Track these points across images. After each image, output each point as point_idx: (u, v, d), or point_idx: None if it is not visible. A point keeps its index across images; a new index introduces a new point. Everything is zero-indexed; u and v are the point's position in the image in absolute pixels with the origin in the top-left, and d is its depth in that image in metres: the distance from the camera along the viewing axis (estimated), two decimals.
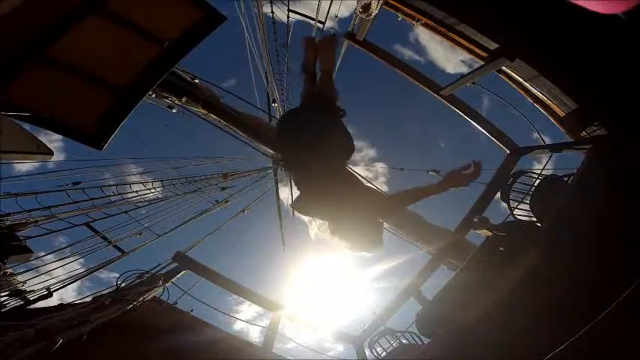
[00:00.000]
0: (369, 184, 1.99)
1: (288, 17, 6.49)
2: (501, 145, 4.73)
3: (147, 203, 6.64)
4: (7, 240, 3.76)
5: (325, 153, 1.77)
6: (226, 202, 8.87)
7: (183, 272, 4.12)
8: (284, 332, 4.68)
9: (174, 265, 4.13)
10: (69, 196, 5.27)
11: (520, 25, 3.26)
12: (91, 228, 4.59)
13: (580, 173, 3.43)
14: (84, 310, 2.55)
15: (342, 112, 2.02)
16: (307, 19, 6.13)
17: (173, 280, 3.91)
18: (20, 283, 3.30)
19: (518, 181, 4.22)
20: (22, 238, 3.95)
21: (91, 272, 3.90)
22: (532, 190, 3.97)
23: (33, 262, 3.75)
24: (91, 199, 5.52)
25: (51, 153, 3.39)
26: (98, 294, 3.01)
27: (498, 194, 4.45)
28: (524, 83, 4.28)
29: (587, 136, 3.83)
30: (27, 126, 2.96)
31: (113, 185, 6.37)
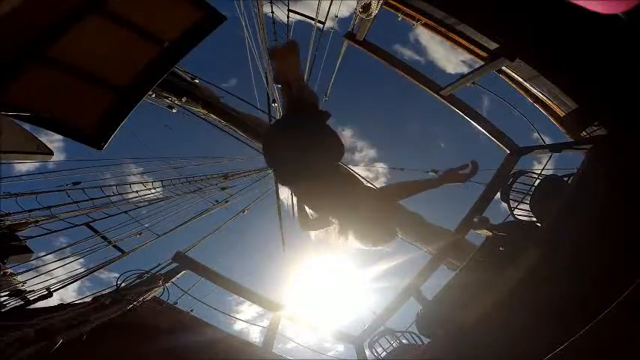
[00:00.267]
0: (365, 182, 1.97)
1: (288, 17, 6.49)
2: (501, 145, 4.73)
3: (147, 203, 6.65)
4: (7, 240, 3.77)
5: (317, 158, 1.76)
6: (226, 202, 8.87)
7: (183, 272, 4.12)
8: (284, 332, 4.69)
9: (174, 265, 4.13)
10: (69, 196, 5.27)
11: (520, 25, 3.26)
12: (91, 228, 4.59)
13: (580, 173, 3.43)
14: (84, 310, 2.55)
15: (326, 114, 2.01)
16: (307, 19, 6.13)
17: (173, 280, 3.91)
18: (20, 283, 3.30)
19: (518, 181, 4.22)
20: (22, 238, 3.95)
21: (91, 272, 3.90)
22: (532, 190, 3.97)
23: (33, 262, 3.76)
24: (91, 199, 5.52)
25: (51, 153, 3.39)
26: (98, 294, 3.02)
27: (498, 194, 4.45)
28: (524, 83, 4.28)
29: (587, 136, 3.83)
30: (27, 126, 2.97)
31: (113, 185, 6.38)
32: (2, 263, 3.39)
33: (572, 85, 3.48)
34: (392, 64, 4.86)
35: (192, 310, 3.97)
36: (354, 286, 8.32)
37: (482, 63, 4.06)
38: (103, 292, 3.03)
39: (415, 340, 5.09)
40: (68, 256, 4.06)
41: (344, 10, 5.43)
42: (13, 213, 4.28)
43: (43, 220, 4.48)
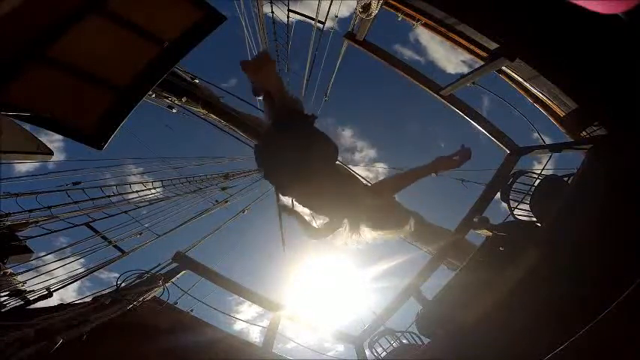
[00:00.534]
0: (364, 182, 1.97)
1: (288, 17, 6.49)
2: (501, 145, 4.73)
3: (147, 203, 6.65)
4: (7, 240, 3.77)
5: (313, 159, 1.77)
6: (226, 202, 8.87)
7: (183, 272, 4.12)
8: (284, 332, 4.69)
9: (174, 265, 4.13)
10: (69, 196, 5.27)
11: (520, 25, 3.26)
12: (91, 228, 4.59)
13: (580, 173, 3.43)
14: (84, 310, 2.55)
15: (312, 117, 2.01)
16: (307, 19, 6.13)
17: (173, 280, 3.91)
18: (20, 283, 3.30)
19: (518, 181, 4.22)
20: (22, 238, 3.95)
21: (91, 272, 3.90)
22: (532, 190, 3.97)
23: (33, 262, 3.76)
24: (91, 199, 5.53)
25: (51, 153, 3.39)
26: (98, 294, 3.02)
27: (498, 194, 4.45)
28: (524, 83, 4.28)
29: (587, 136, 3.83)
30: (27, 126, 2.97)
31: (113, 185, 6.38)
32: (2, 263, 3.39)
33: (572, 85, 3.48)
34: (392, 64, 4.86)
35: (192, 310, 3.97)
36: (354, 286, 8.33)
37: (482, 63, 4.06)
38: (103, 292, 3.03)
39: (415, 340, 5.09)
40: (68, 256, 4.07)
41: (344, 10, 5.44)
42: (13, 213, 4.28)
43: (43, 220, 4.48)
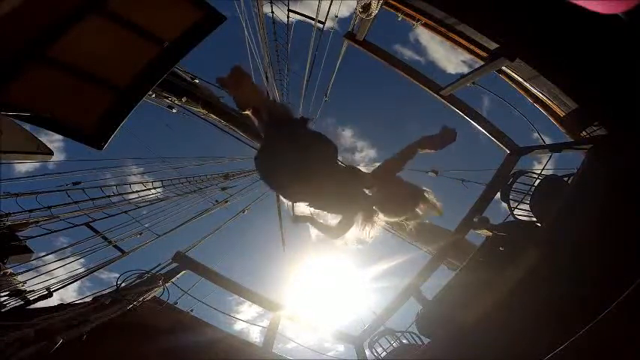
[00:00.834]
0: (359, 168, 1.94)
1: (288, 17, 6.49)
2: (501, 145, 4.73)
3: (147, 203, 6.65)
4: (7, 240, 3.77)
5: (316, 159, 1.77)
6: (226, 202, 8.87)
7: (183, 272, 4.12)
8: (284, 332, 4.69)
9: (174, 265, 4.13)
10: (69, 196, 5.27)
11: (520, 25, 3.26)
12: (91, 228, 4.58)
13: (580, 173, 3.43)
14: (84, 310, 2.55)
15: (305, 120, 2.01)
16: (307, 19, 6.13)
17: (173, 280, 3.91)
18: (20, 283, 3.30)
19: (518, 181, 4.23)
20: (22, 238, 3.95)
21: (91, 272, 3.90)
22: (532, 190, 3.97)
23: (33, 262, 3.76)
24: (91, 199, 5.52)
25: (51, 153, 3.39)
26: (98, 294, 3.02)
27: (498, 194, 4.45)
28: (524, 83, 4.28)
29: (587, 136, 3.83)
30: (27, 126, 2.97)
31: (113, 185, 6.38)
32: (2, 263, 3.39)
33: (572, 85, 3.48)
34: (392, 64, 4.86)
35: (192, 310, 3.97)
36: (354, 286, 8.33)
37: (482, 63, 4.06)
38: (103, 292, 3.04)
39: (415, 340, 5.09)
40: (68, 256, 4.06)
41: (344, 10, 5.43)
42: (14, 213, 4.28)
43: (43, 220, 4.48)
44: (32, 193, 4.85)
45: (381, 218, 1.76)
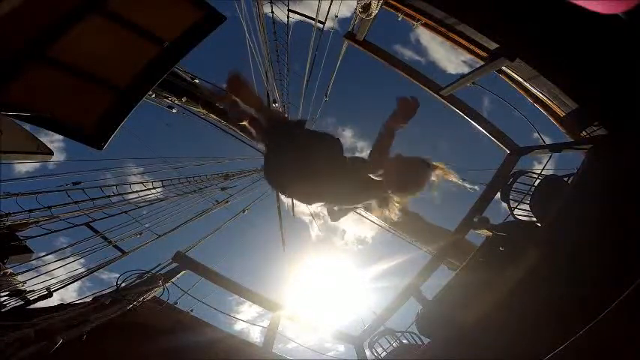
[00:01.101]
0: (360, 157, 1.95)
1: (288, 17, 6.49)
2: (501, 145, 4.73)
3: (147, 203, 6.64)
4: (7, 240, 3.76)
5: (324, 157, 1.77)
6: (226, 202, 8.87)
7: (183, 272, 4.13)
8: (285, 333, 4.69)
9: (174, 265, 4.13)
10: (69, 196, 5.26)
11: (520, 25, 3.26)
12: (91, 228, 4.58)
13: (580, 173, 3.43)
14: (84, 310, 2.55)
15: (300, 122, 2.03)
16: (307, 19, 6.13)
17: (173, 280, 3.91)
18: (20, 283, 3.30)
19: (518, 181, 4.23)
20: (22, 238, 3.95)
21: (91, 272, 3.89)
22: (532, 190, 3.97)
23: (33, 262, 3.75)
24: (91, 199, 5.51)
25: (51, 153, 3.39)
26: (98, 294, 3.02)
27: (498, 194, 4.45)
28: (524, 83, 4.28)
29: (587, 136, 3.83)
30: (27, 126, 2.96)
31: (113, 185, 6.37)
32: (2, 263, 3.39)
33: (572, 85, 3.48)
34: (392, 64, 4.86)
35: (192, 310, 3.97)
36: (354, 286, 8.34)
37: (482, 63, 4.06)
38: (103, 292, 3.04)
39: (415, 340, 5.09)
40: (68, 256, 4.06)
41: (344, 10, 5.43)
42: (14, 213, 4.27)
43: (43, 220, 4.48)
44: (32, 193, 4.84)
45: (397, 201, 1.76)
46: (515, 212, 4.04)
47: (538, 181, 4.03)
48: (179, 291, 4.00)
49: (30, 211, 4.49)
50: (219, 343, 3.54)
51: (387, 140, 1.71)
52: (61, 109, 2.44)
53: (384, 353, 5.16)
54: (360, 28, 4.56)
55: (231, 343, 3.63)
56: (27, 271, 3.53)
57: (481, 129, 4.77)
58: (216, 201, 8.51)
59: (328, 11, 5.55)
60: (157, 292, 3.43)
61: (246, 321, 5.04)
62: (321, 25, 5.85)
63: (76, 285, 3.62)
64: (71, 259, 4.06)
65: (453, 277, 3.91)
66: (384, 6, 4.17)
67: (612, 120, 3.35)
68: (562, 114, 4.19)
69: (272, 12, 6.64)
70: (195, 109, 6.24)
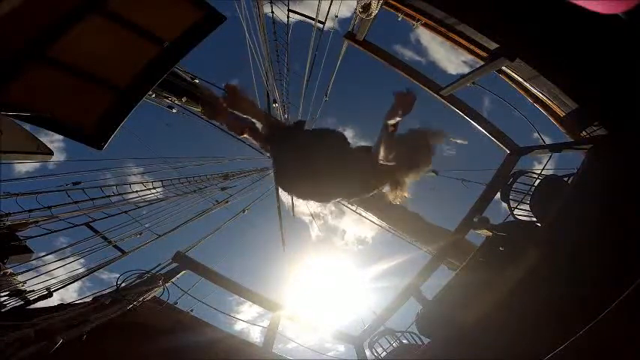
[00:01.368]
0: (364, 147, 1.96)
1: (288, 17, 6.49)
2: (501, 145, 4.73)
3: (147, 203, 6.64)
4: (7, 240, 3.76)
5: (334, 151, 1.78)
6: (226, 202, 8.86)
7: (183, 272, 4.13)
8: (285, 333, 4.69)
9: (174, 265, 4.13)
10: (69, 196, 5.26)
11: (520, 25, 3.26)
12: (91, 228, 4.58)
13: (580, 173, 3.43)
14: (84, 310, 2.55)
15: (299, 122, 2.07)
16: (307, 19, 6.13)
17: (173, 280, 3.91)
18: (20, 283, 3.30)
19: (518, 181, 4.23)
20: (22, 238, 3.94)
21: (91, 272, 3.89)
22: (532, 190, 3.97)
23: (33, 262, 3.75)
24: (91, 199, 5.51)
25: (51, 153, 3.39)
26: (98, 294, 3.02)
27: (498, 194, 4.45)
28: (524, 83, 4.28)
29: (587, 136, 3.83)
30: (27, 126, 2.96)
31: (113, 185, 6.36)
32: (2, 263, 3.39)
33: (572, 85, 3.48)
34: (392, 64, 4.86)
35: (192, 310, 3.97)
36: (354, 286, 8.34)
37: (482, 63, 4.06)
38: (103, 292, 3.04)
39: (415, 340, 5.09)
40: (68, 256, 4.06)
41: (344, 10, 5.43)
42: (13, 213, 4.27)
43: (43, 220, 4.47)
44: (32, 193, 4.84)
45: (408, 180, 1.76)
46: (515, 212, 4.04)
47: (538, 181, 4.03)
48: (179, 291, 4.00)
49: (30, 211, 4.48)
50: (219, 343, 3.54)
51: (389, 136, 1.72)
52: (61, 109, 2.44)
53: (384, 353, 5.16)
54: (360, 28, 4.56)
55: (231, 343, 3.63)
56: (27, 271, 3.54)
57: (481, 129, 4.77)
58: (216, 201, 8.51)
59: (328, 11, 5.55)
60: (157, 292, 3.43)
61: (247, 321, 5.05)
62: (321, 25, 5.85)
63: (76, 285, 3.62)
64: (71, 259, 4.06)
65: (453, 277, 3.91)
66: (384, 6, 4.17)
67: (612, 120, 3.35)
68: (562, 114, 4.19)
69: (272, 12, 6.64)
70: (195, 109, 6.24)
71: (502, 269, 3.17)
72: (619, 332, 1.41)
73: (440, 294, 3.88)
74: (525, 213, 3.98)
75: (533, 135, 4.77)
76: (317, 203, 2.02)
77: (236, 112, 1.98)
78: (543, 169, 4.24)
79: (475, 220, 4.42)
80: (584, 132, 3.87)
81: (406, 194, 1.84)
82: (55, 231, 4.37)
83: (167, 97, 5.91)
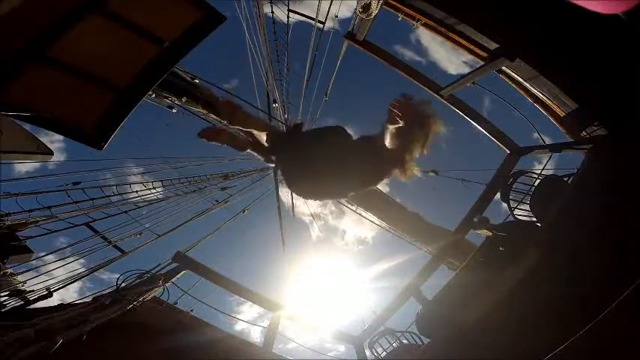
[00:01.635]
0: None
1: (288, 17, 6.50)
2: (501, 145, 4.73)
3: (147, 203, 6.64)
4: (7, 240, 3.76)
5: (337, 154, 1.79)
6: (226, 202, 8.86)
7: (183, 272, 4.13)
8: (285, 333, 4.69)
9: (174, 265, 4.13)
10: (69, 196, 5.26)
11: (520, 25, 3.26)
12: (91, 228, 4.58)
13: (580, 173, 3.44)
14: (84, 310, 2.55)
15: (298, 125, 2.08)
16: (307, 19, 6.13)
17: (173, 280, 3.91)
18: (20, 283, 3.30)
19: (518, 181, 4.23)
20: (22, 238, 3.94)
21: (91, 272, 3.89)
22: (532, 190, 3.97)
23: (33, 262, 3.75)
24: (91, 199, 5.51)
25: (51, 153, 3.39)
26: (98, 294, 3.02)
27: (498, 194, 4.45)
28: (524, 83, 4.28)
29: (587, 136, 3.83)
30: (27, 126, 2.96)
31: (113, 185, 6.37)
32: (2, 263, 3.39)
33: (572, 85, 3.48)
34: (392, 64, 4.86)
35: (192, 310, 3.97)
36: (354, 286, 8.34)
37: (482, 63, 4.06)
38: (103, 292, 3.04)
39: (415, 340, 5.09)
40: (68, 256, 4.06)
41: (344, 10, 5.43)
42: (13, 213, 4.27)
43: (43, 220, 4.47)
44: (32, 193, 4.84)
45: (414, 156, 1.76)
46: (515, 212, 4.04)
47: (538, 181, 4.03)
48: (179, 291, 4.00)
49: (30, 211, 4.48)
50: (219, 343, 3.54)
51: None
52: (61, 109, 2.44)
53: (384, 353, 5.16)
54: (360, 28, 4.57)
55: (231, 343, 3.63)
56: (27, 271, 3.54)
57: (481, 129, 4.77)
58: (216, 201, 8.51)
59: (328, 11, 5.56)
60: (157, 292, 3.43)
61: (247, 321, 5.05)
62: (321, 25, 5.85)
63: (76, 285, 3.62)
64: (71, 259, 4.06)
65: (453, 277, 3.91)
66: (384, 6, 4.17)
67: (612, 120, 3.35)
68: (562, 114, 4.19)
69: (272, 12, 6.65)
70: (195, 109, 6.24)
71: (502, 269, 3.17)
72: (619, 332, 1.41)
73: (440, 294, 3.88)
74: (525, 213, 3.98)
75: (533, 135, 4.77)
76: (331, 200, 2.04)
77: (236, 127, 1.98)
78: (543, 169, 4.25)
79: (475, 220, 4.42)
80: (584, 132, 3.87)
81: (416, 170, 1.84)
82: (55, 231, 4.37)
83: (167, 97, 5.92)
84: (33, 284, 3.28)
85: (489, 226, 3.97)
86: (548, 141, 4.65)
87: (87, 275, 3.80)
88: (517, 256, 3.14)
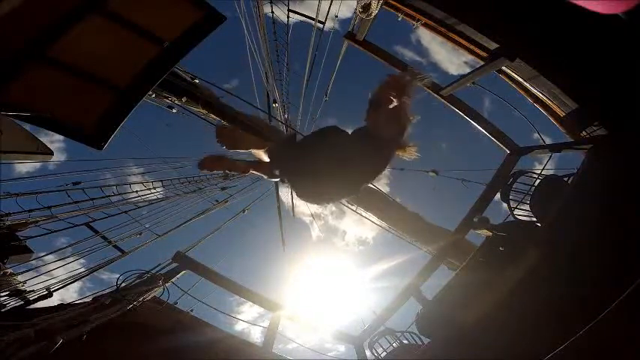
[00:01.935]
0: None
1: (288, 17, 6.50)
2: (501, 145, 4.73)
3: (147, 203, 6.64)
4: (7, 240, 3.76)
5: (338, 152, 1.80)
6: (226, 202, 8.87)
7: (183, 272, 4.12)
8: (285, 333, 4.69)
9: (174, 265, 4.13)
10: (69, 196, 5.27)
11: (520, 25, 3.26)
12: (91, 228, 4.58)
13: (580, 173, 3.43)
14: (84, 310, 2.55)
15: (292, 136, 2.15)
16: (307, 19, 6.14)
17: (173, 280, 3.91)
18: (20, 283, 3.30)
19: (518, 181, 4.23)
20: (22, 238, 3.95)
21: (91, 272, 3.90)
22: (532, 190, 3.97)
23: (33, 262, 3.75)
24: (91, 199, 5.52)
25: (51, 153, 3.39)
26: (98, 294, 3.02)
27: (498, 194, 4.45)
28: (524, 83, 4.28)
29: (587, 136, 3.83)
30: (27, 126, 2.97)
31: (113, 185, 6.37)
32: (2, 263, 3.39)
33: (572, 85, 3.48)
34: (392, 64, 4.86)
35: (192, 310, 3.97)
36: (354, 286, 8.34)
37: (482, 63, 4.07)
38: (103, 292, 3.04)
39: (415, 340, 5.09)
40: (68, 256, 4.06)
41: (344, 10, 5.44)
42: (13, 213, 4.27)
43: (43, 220, 4.48)
44: (32, 193, 4.84)
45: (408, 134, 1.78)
46: (515, 212, 4.04)
47: (538, 181, 4.03)
48: (179, 291, 4.00)
49: (30, 211, 4.49)
50: (219, 343, 3.54)
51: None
52: (61, 109, 2.44)
53: (384, 353, 5.16)
54: (360, 28, 4.57)
55: (231, 343, 3.62)
56: (27, 271, 3.54)
57: (481, 129, 4.77)
58: (216, 201, 8.52)
59: (328, 11, 5.56)
60: (157, 292, 3.43)
61: (247, 321, 5.05)
62: (321, 25, 5.86)
63: (76, 285, 3.62)
64: (71, 259, 4.07)
65: (453, 277, 3.90)
66: (384, 6, 4.17)
67: (612, 120, 3.35)
68: (562, 114, 4.19)
69: (272, 12, 6.65)
70: (195, 109, 6.24)
71: (502, 269, 3.17)
72: (619, 332, 1.41)
73: (440, 294, 3.88)
74: (525, 213, 3.98)
75: (533, 135, 4.77)
76: (342, 198, 2.03)
77: (235, 150, 2.00)
78: (543, 169, 4.25)
79: (475, 220, 4.42)
80: (584, 132, 3.87)
81: (414, 149, 1.85)
82: (55, 231, 4.37)
83: (167, 97, 5.92)
84: (33, 284, 3.28)
85: (489, 226, 3.97)
86: (548, 141, 4.66)
87: (87, 275, 3.81)
88: (517, 256, 3.14)
